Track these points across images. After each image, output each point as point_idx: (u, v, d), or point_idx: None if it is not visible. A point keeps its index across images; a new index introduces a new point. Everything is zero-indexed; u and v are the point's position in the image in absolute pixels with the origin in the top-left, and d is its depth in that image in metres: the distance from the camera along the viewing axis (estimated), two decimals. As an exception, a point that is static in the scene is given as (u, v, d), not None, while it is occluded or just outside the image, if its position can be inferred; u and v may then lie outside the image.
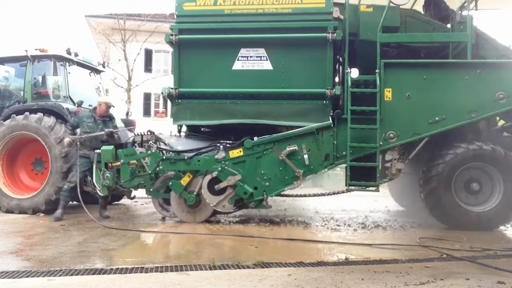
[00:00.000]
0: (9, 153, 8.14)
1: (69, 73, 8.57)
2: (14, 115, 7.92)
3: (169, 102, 7.61)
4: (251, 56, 6.87)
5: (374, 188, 6.63)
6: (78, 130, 7.42)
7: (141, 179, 6.91)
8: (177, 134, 7.54)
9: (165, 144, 7.18)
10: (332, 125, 6.64)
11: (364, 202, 9.50)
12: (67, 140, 7.17)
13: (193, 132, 7.37)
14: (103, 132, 7.20)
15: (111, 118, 7.67)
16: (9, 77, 8.88)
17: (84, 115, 7.56)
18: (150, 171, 6.80)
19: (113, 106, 7.73)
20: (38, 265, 4.04)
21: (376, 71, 6.58)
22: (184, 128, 7.55)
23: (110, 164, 6.89)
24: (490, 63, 6.68)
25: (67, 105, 8.20)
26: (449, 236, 5.87)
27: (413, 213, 7.95)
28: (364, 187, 6.76)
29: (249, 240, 5.49)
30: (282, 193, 6.91)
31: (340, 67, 7.45)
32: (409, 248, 5.11)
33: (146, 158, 6.86)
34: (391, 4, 6.76)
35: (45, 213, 7.54)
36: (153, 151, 6.88)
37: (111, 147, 7.05)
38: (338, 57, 7.30)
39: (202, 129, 7.43)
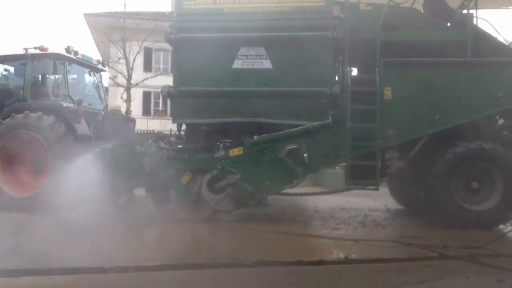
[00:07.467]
0: (9, 152, 8.12)
1: (68, 71, 8.56)
2: (14, 113, 7.90)
3: (168, 101, 7.60)
4: (250, 55, 6.84)
5: (373, 187, 6.64)
6: None
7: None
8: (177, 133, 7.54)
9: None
10: (332, 124, 6.64)
11: (364, 200, 9.47)
12: None
13: (193, 131, 7.36)
14: None
15: None
16: (8, 76, 8.88)
17: None
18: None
19: None
20: (38, 264, 4.03)
21: (376, 69, 6.58)
22: (183, 127, 7.54)
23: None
24: (490, 62, 6.67)
25: (67, 103, 8.19)
26: (448, 234, 5.86)
27: (413, 212, 7.94)
28: (363, 186, 6.76)
29: (249, 238, 5.49)
30: (281, 191, 6.90)
31: (340, 65, 7.44)
32: (409, 247, 5.11)
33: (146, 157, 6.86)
34: (391, 3, 6.75)
35: (45, 213, 7.52)
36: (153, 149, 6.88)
37: (111, 146, 7.03)
38: (338, 55, 7.29)
39: (201, 127, 7.42)
